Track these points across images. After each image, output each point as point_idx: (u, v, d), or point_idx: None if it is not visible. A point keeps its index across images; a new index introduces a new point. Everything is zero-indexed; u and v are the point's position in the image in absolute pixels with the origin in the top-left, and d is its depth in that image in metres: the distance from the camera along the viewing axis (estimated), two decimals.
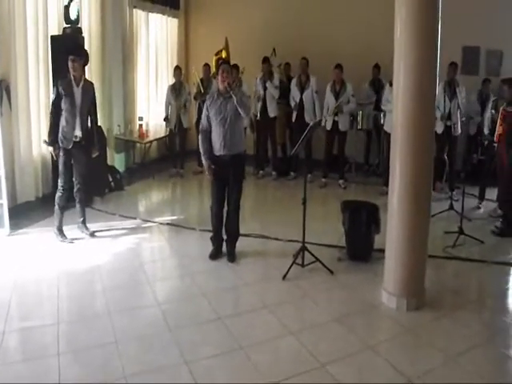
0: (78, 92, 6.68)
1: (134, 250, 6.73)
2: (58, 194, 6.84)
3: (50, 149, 6.88)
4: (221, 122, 6.14)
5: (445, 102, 9.00)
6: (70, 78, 6.67)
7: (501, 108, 7.64)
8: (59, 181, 6.83)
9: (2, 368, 4.01)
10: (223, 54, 11.33)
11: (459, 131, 9.28)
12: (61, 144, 6.68)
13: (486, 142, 8.14)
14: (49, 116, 6.86)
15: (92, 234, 7.05)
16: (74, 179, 6.89)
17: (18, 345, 4.49)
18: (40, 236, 6.89)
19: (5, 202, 6.92)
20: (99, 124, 9.36)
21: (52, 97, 6.79)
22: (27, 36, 7.90)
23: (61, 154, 6.72)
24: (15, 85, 7.64)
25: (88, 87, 6.85)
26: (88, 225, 7.18)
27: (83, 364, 4.13)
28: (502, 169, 7.76)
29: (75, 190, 6.95)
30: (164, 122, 11.10)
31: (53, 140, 6.70)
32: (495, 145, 7.88)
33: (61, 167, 6.79)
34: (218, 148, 6.21)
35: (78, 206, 7.07)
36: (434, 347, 4.48)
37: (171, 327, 4.71)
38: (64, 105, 6.63)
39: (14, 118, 7.65)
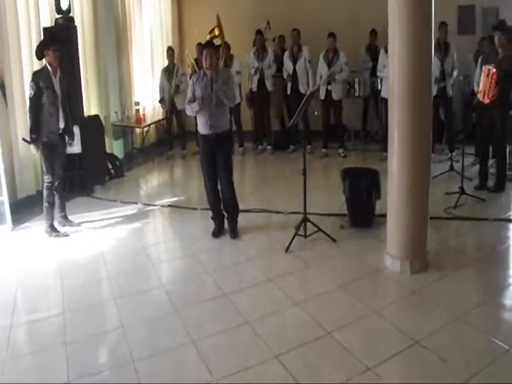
0: (56, 83, 6.54)
1: (137, 234, 6.74)
2: (47, 191, 6.69)
3: (32, 146, 6.65)
4: (205, 101, 6.08)
5: (440, 64, 8.97)
6: (47, 70, 6.51)
7: (491, 67, 7.12)
8: (46, 177, 6.68)
9: (10, 362, 4.02)
10: (216, 32, 11.23)
11: (452, 92, 9.22)
12: (46, 139, 6.51)
13: (475, 101, 7.95)
14: (29, 113, 6.57)
15: (78, 225, 6.97)
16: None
17: (26, 338, 4.52)
18: (42, 229, 6.83)
19: (5, 198, 6.89)
20: (96, 113, 9.44)
21: (30, 92, 6.46)
22: (19, 30, 7.83)
23: (44, 149, 6.56)
24: (10, 80, 7.57)
25: (64, 76, 6.68)
26: (89, 213, 7.23)
27: (91, 351, 4.15)
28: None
29: (55, 184, 6.75)
30: (159, 103, 11.10)
31: (36, 137, 6.49)
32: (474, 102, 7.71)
33: (47, 163, 6.63)
34: (203, 127, 6.19)
35: (58, 201, 6.87)
36: (439, 307, 4.49)
37: (177, 308, 4.72)
38: (47, 98, 6.44)
39: (10, 114, 7.60)
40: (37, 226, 6.99)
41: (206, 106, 6.09)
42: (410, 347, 3.93)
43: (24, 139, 7.05)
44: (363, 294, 4.81)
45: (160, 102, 10.98)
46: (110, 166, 9.48)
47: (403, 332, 4.13)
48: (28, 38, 7.98)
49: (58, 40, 6.86)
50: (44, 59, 6.61)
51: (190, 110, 6.28)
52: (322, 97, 10.07)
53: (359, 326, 4.30)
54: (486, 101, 7.18)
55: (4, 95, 7.45)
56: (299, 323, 4.39)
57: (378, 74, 9.77)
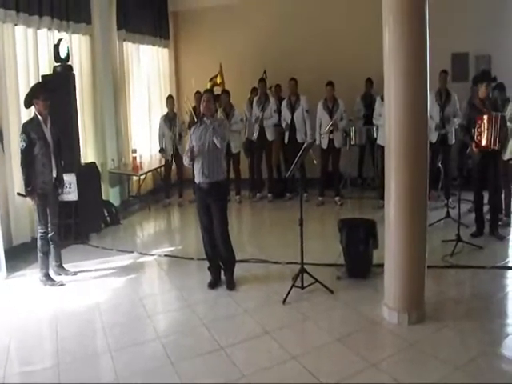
0: (48, 132, 6.50)
1: (133, 284, 6.68)
2: (41, 241, 6.62)
3: (29, 199, 6.62)
4: (200, 149, 6.11)
5: (440, 111, 9.11)
6: (37, 120, 6.45)
7: (494, 113, 7.25)
8: (39, 228, 6.62)
9: None
10: (218, 80, 11.40)
11: (453, 140, 9.30)
12: (39, 190, 6.46)
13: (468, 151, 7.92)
14: (21, 167, 6.43)
15: (74, 274, 6.92)
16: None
17: None
18: (37, 277, 6.77)
19: (0, 245, 6.86)
20: (93, 160, 9.47)
21: (22, 144, 6.36)
22: (18, 77, 7.94)
23: (37, 199, 6.49)
24: (7, 127, 7.65)
25: (55, 124, 6.66)
26: (84, 262, 7.20)
27: None
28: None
29: (50, 234, 6.71)
30: (158, 153, 11.12)
31: (32, 189, 6.42)
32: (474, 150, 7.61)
33: (41, 213, 6.57)
34: (197, 176, 6.21)
35: (53, 250, 6.84)
36: (438, 359, 4.44)
37: (173, 360, 4.65)
38: (39, 150, 6.39)
39: (7, 161, 7.66)
40: (32, 274, 6.95)
41: (200, 154, 6.12)
42: None
43: (19, 193, 7.01)
44: (361, 346, 4.75)
45: (160, 151, 10.97)
46: (106, 214, 9.46)
47: None
48: (27, 86, 7.96)
49: (48, 88, 6.85)
50: (33, 107, 6.56)
51: (185, 161, 6.34)
52: (325, 146, 10.11)
53: (357, 379, 4.23)
54: (497, 147, 7.22)
55: (1, 143, 7.48)
56: (296, 377, 4.31)
57: (374, 121, 9.83)
